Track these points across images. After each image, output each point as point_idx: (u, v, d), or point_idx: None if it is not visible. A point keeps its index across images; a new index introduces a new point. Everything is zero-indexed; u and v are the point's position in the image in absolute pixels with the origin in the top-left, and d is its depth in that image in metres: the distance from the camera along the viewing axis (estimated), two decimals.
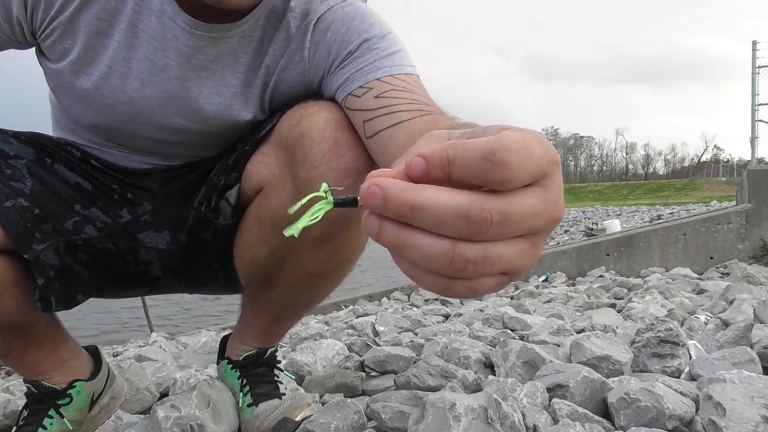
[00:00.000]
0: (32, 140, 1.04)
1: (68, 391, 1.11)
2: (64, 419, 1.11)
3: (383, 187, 0.36)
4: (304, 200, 0.40)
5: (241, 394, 1.17)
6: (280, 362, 1.26)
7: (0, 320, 0.96)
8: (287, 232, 0.39)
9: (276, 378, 1.21)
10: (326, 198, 0.40)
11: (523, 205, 0.36)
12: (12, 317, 0.97)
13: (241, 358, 1.20)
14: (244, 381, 1.18)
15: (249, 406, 1.15)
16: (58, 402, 1.11)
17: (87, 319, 6.15)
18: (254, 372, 1.19)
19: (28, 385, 1.12)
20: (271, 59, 0.98)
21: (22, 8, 0.92)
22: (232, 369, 1.21)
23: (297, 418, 1.09)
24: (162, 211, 1.10)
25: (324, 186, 0.40)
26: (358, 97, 0.87)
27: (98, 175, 1.08)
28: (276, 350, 1.25)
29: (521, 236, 0.37)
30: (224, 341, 1.35)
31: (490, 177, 0.35)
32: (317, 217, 0.40)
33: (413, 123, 0.76)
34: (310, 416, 1.10)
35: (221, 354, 1.32)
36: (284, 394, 1.16)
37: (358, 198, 0.37)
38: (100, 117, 1.00)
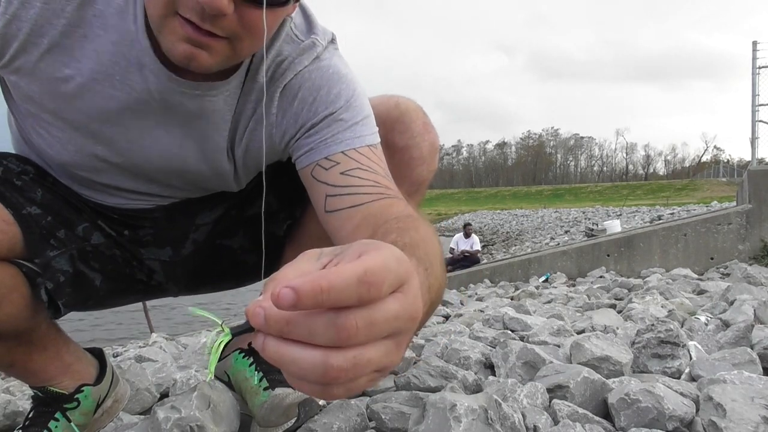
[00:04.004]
0: (29, 161, 1.04)
1: (76, 396, 1.12)
2: (71, 423, 1.11)
3: (264, 307, 0.39)
4: (213, 347, 0.45)
5: (256, 377, 1.18)
6: None
7: (3, 328, 0.96)
8: (207, 378, 0.43)
9: None
10: (224, 331, 0.44)
11: (387, 309, 0.40)
12: (14, 324, 0.97)
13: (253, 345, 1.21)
14: (258, 368, 1.20)
15: (266, 389, 1.16)
16: (65, 405, 1.11)
17: (86, 319, 6.15)
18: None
19: (35, 390, 1.12)
20: (244, 119, 0.97)
21: None
22: (243, 357, 1.22)
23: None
24: (164, 232, 1.13)
25: (221, 322, 0.45)
26: (325, 169, 0.90)
27: (95, 206, 1.08)
28: None
29: (386, 337, 0.41)
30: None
31: (364, 297, 0.38)
32: (221, 347, 0.45)
33: (372, 206, 0.83)
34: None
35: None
36: None
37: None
38: (77, 156, 0.97)
